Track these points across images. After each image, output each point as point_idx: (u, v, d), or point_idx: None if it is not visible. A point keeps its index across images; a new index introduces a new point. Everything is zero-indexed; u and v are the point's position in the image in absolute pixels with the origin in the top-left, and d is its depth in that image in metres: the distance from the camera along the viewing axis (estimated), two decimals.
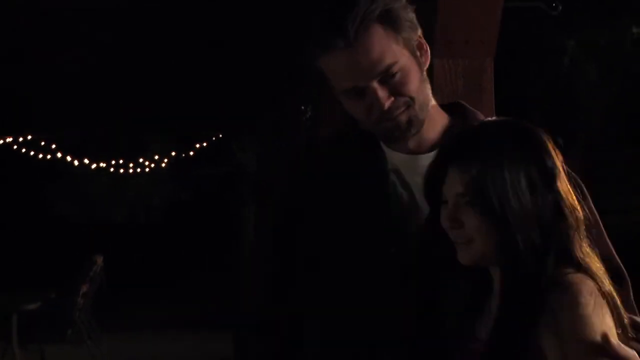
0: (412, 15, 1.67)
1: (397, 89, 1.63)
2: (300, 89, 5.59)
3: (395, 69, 1.62)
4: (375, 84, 1.62)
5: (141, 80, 6.51)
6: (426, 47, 1.70)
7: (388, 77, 1.62)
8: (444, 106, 1.79)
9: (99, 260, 7.74)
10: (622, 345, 1.41)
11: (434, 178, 1.56)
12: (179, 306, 11.31)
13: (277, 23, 4.39)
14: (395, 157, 1.73)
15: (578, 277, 1.44)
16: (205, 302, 11.29)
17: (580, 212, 1.50)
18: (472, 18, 2.34)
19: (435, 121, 1.74)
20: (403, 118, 1.66)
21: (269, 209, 1.78)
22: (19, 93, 6.82)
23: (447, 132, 1.73)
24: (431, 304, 1.66)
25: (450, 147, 1.55)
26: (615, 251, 1.71)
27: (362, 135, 1.75)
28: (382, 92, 1.62)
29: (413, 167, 1.72)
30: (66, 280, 7.57)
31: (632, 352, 1.43)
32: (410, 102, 1.65)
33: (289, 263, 1.81)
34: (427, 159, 1.70)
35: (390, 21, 1.63)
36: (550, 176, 1.49)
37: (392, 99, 1.63)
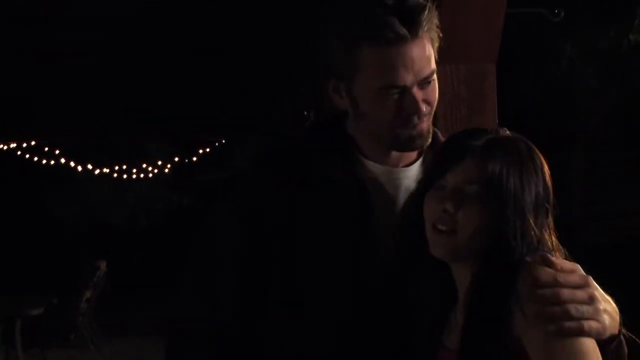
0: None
1: (427, 98, 1.66)
2: (302, 93, 5.61)
3: (432, 77, 1.66)
4: (415, 88, 1.64)
5: (143, 86, 6.53)
6: None
7: (425, 83, 1.65)
8: None
9: (102, 265, 7.75)
10: (563, 260, 1.45)
11: (443, 163, 1.57)
12: None
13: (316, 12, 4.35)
14: (374, 169, 1.74)
15: (539, 259, 1.46)
16: None
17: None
18: (474, 23, 2.35)
19: None
20: (425, 126, 1.68)
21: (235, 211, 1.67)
22: (23, 99, 6.84)
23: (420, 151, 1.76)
24: (400, 312, 1.66)
25: (471, 140, 1.56)
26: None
27: (340, 143, 1.75)
28: (419, 96, 1.64)
29: (393, 179, 1.74)
30: (69, 285, 7.57)
31: (573, 264, 1.45)
32: (431, 112, 1.69)
33: (253, 271, 1.75)
34: (403, 172, 1.74)
35: (433, 33, 1.66)
36: (548, 195, 1.55)
37: (424, 105, 1.66)
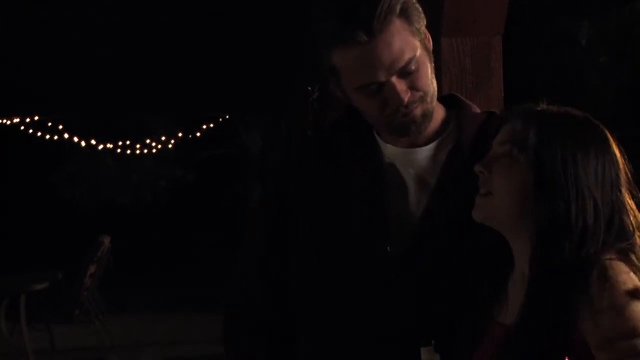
0: (419, 6, 1.65)
1: (413, 83, 1.62)
2: (307, 69, 5.58)
3: (413, 63, 1.60)
4: (394, 79, 1.60)
5: (148, 61, 6.51)
6: (429, 36, 1.68)
7: (406, 71, 1.60)
8: (439, 98, 1.77)
9: (106, 241, 7.74)
10: None
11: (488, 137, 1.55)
12: (186, 287, 11.35)
13: (290, 12, 4.37)
14: (390, 151, 1.72)
15: (616, 263, 1.39)
16: (211, 283, 11.34)
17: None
18: None
19: (435, 113, 1.72)
20: (418, 112, 1.64)
21: (262, 204, 1.82)
22: (27, 74, 6.83)
23: (443, 125, 1.72)
24: (449, 287, 1.63)
25: (520, 109, 1.54)
26: None
27: (358, 127, 1.74)
28: (400, 86, 1.60)
29: (408, 160, 1.71)
30: (73, 261, 7.59)
31: None
32: (424, 96, 1.64)
33: (281, 258, 1.79)
34: (422, 152, 1.71)
35: (407, 14, 1.61)
36: (617, 175, 1.48)
37: (410, 93, 1.61)
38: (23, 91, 7.49)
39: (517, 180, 1.46)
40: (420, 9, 1.64)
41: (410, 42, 1.60)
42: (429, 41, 1.67)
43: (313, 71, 5.41)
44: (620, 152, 1.51)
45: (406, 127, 1.66)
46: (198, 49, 6.03)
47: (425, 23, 1.65)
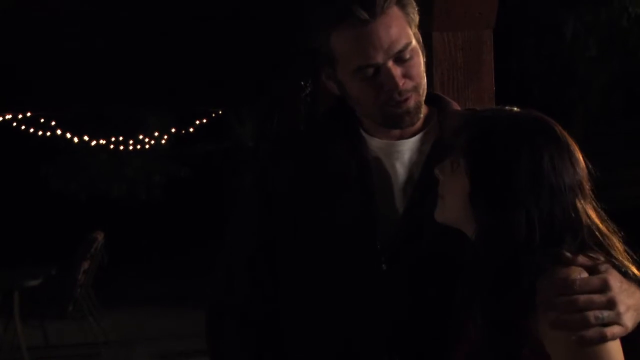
0: (414, 2, 1.68)
1: (408, 72, 1.64)
2: (300, 64, 5.58)
3: (409, 50, 1.63)
4: (390, 63, 1.62)
5: (140, 56, 6.49)
6: (419, 35, 1.71)
7: (402, 58, 1.63)
8: None
9: (100, 236, 7.73)
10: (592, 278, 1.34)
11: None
12: (180, 282, 11.35)
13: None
14: (375, 144, 1.73)
15: (564, 268, 1.36)
16: (205, 278, 11.32)
17: (599, 224, 1.43)
18: None
19: None
20: (411, 103, 1.66)
21: (244, 193, 1.71)
22: (19, 70, 6.81)
23: (426, 121, 1.74)
24: (430, 296, 1.63)
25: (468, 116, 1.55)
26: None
27: (346, 119, 1.75)
28: (396, 71, 1.62)
29: (391, 153, 1.72)
30: (67, 256, 7.58)
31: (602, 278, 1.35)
32: (417, 87, 1.66)
33: (268, 252, 1.77)
34: (407, 144, 1.72)
35: (404, 5, 1.65)
36: (558, 176, 1.41)
37: (404, 80, 1.63)
38: (16, 87, 7.47)
39: (459, 186, 1.46)
40: (415, 5, 1.67)
41: (406, 30, 1.63)
42: (420, 38, 1.70)
43: (306, 66, 5.41)
44: (582, 153, 1.45)
45: (400, 118, 1.66)
46: (191, 44, 6.02)
47: (418, 20, 1.68)
